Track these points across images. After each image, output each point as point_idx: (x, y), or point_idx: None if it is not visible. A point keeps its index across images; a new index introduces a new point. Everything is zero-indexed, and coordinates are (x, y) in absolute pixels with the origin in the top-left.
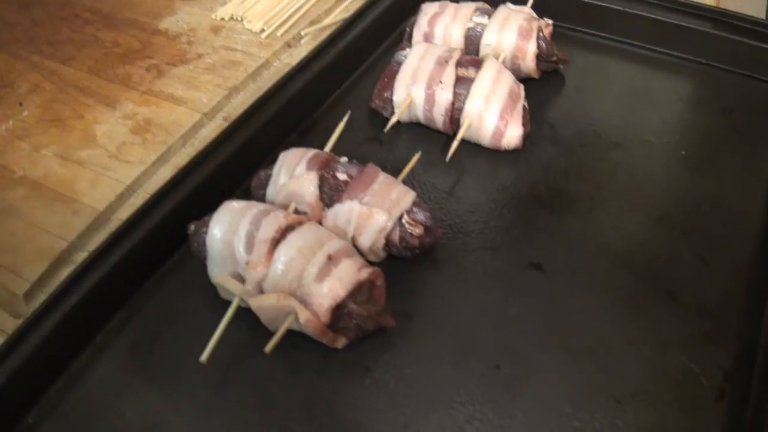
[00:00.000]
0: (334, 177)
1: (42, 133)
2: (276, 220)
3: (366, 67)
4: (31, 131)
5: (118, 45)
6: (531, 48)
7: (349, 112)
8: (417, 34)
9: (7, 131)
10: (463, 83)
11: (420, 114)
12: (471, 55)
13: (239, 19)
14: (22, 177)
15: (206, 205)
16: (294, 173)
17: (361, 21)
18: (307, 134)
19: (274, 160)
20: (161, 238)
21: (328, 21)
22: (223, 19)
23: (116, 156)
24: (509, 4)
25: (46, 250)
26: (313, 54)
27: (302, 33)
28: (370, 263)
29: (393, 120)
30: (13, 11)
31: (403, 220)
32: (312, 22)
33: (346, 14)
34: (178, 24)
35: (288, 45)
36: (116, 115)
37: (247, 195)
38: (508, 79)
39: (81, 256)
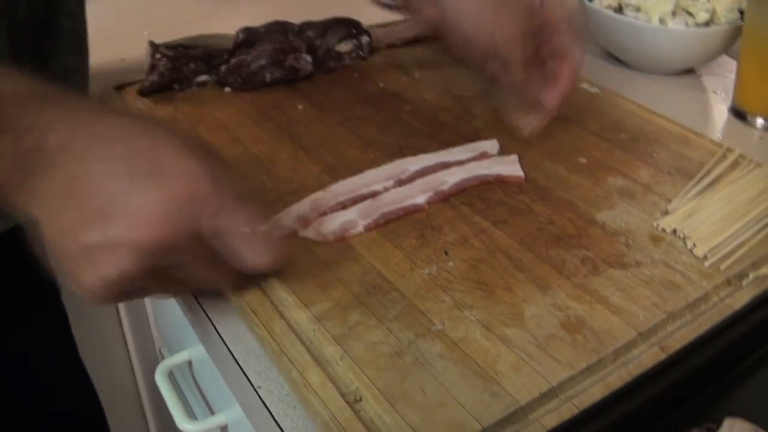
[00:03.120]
0: None
1: (466, 292)
2: None
3: None
4: (455, 286)
5: (553, 224)
6: None
7: None
8: None
9: (429, 277)
10: None
11: None
12: None
13: (681, 236)
14: (440, 332)
15: None
16: None
17: None
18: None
19: (701, 415)
20: None
21: (761, 272)
22: (664, 230)
23: (543, 347)
24: None
25: (457, 424)
26: (753, 304)
27: (750, 275)
28: None
29: None
30: None
31: None
32: (754, 264)
33: None
34: (616, 221)
35: (728, 282)
36: (547, 301)
37: None
38: None
39: None
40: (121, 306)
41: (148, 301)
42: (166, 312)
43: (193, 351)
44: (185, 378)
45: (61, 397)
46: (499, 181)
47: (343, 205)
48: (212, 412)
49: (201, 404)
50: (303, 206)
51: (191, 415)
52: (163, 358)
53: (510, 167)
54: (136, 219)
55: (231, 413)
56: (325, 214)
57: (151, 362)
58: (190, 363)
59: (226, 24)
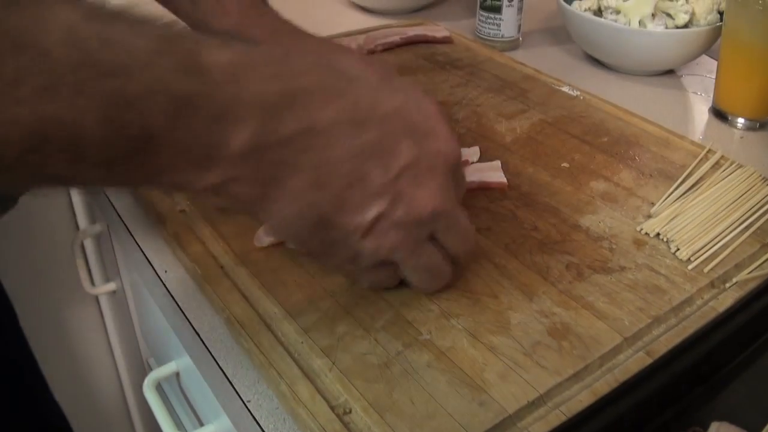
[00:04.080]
0: None
1: (452, 301)
2: None
3: None
4: (441, 295)
5: (537, 230)
6: None
7: None
8: None
9: None
10: None
11: None
12: None
13: (665, 239)
14: (427, 341)
15: None
16: None
17: None
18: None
19: (688, 419)
20: None
21: (744, 275)
22: (647, 234)
23: (530, 355)
24: None
25: None
26: (737, 306)
27: (734, 278)
28: None
29: None
30: None
31: None
32: (737, 266)
33: None
34: (600, 226)
35: (712, 285)
36: (533, 308)
37: None
38: None
39: None
40: (107, 317)
41: (134, 311)
42: (152, 323)
43: (181, 362)
44: (173, 389)
45: None
46: (483, 188)
47: None
48: (201, 423)
49: (190, 415)
50: None
51: (180, 427)
52: (150, 369)
53: (493, 174)
54: (424, 194)
55: (220, 424)
56: None
57: (138, 373)
58: (177, 374)
59: None
